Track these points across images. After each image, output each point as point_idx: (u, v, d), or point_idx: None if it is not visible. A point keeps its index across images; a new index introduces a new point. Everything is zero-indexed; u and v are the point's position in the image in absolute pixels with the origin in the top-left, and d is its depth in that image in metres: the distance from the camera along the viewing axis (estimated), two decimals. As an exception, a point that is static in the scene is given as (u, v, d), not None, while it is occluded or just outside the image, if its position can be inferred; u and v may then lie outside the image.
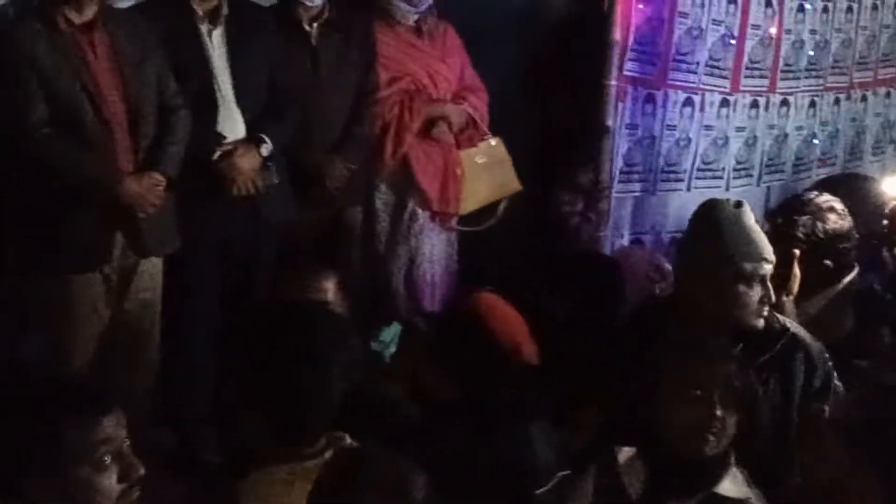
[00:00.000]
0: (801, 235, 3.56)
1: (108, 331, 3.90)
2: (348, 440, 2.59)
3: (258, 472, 2.51)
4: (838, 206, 3.65)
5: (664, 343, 2.93)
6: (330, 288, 3.63)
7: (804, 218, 3.60)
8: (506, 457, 2.85)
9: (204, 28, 4.07)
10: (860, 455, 2.33)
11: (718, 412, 2.59)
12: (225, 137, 4.08)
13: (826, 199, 3.69)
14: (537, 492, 2.84)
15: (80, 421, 2.27)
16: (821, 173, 4.99)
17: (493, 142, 4.73)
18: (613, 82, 4.31)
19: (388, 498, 2.15)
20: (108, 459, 2.18)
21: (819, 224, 3.59)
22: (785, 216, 3.69)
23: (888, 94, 5.33)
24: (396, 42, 4.57)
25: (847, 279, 3.72)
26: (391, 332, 4.28)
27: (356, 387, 3.17)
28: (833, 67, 5.05)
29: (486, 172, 4.73)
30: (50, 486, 2.20)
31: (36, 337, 3.88)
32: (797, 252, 3.53)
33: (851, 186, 4.25)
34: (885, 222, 4.03)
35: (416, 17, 4.59)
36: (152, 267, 3.95)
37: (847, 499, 2.34)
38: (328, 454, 2.44)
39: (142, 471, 2.21)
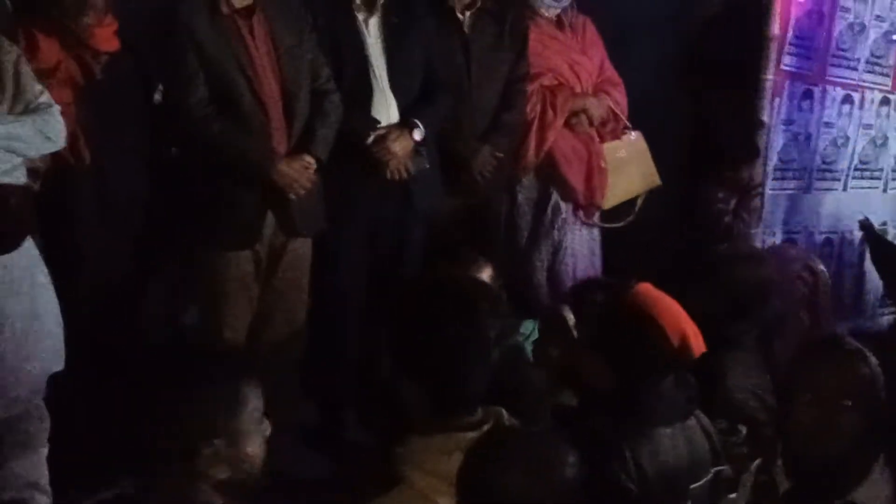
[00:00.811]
0: None
1: (259, 307, 3.98)
2: (505, 415, 2.61)
3: (418, 440, 2.54)
4: None
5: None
6: (488, 274, 3.71)
7: None
8: (660, 450, 2.83)
9: (361, 16, 4.13)
10: None
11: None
12: (379, 122, 4.12)
13: None
14: (692, 486, 2.82)
15: (223, 389, 2.40)
16: None
17: (633, 136, 4.72)
18: (770, 77, 4.26)
19: (539, 474, 2.17)
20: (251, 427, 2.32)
21: None
22: None
23: None
24: (539, 35, 4.57)
25: None
26: (530, 326, 4.29)
27: (505, 370, 3.26)
28: None
29: (628, 166, 4.71)
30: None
31: (192, 308, 4.06)
32: None
33: None
34: None
35: (558, 10, 4.59)
36: (301, 247, 4.02)
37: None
38: (486, 427, 2.46)
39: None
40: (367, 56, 4.14)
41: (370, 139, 4.10)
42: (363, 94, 4.13)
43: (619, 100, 4.73)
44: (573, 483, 2.21)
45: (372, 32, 4.16)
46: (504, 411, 2.66)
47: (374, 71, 4.15)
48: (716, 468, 2.86)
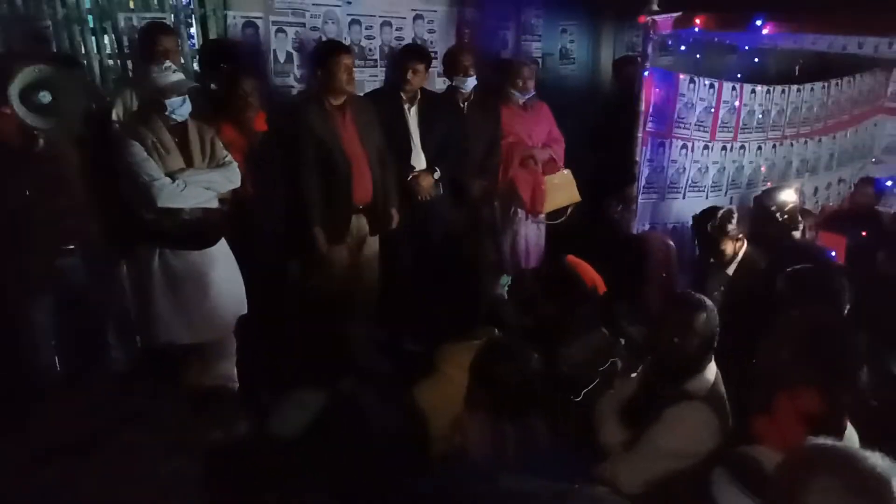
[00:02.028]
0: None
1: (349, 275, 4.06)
2: (496, 331, 2.71)
3: (448, 346, 2.62)
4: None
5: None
6: (487, 248, 4.11)
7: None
8: (581, 349, 2.86)
9: (406, 106, 4.23)
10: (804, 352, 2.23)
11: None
12: (414, 168, 4.26)
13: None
14: (600, 369, 2.83)
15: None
16: (764, 186, 4.91)
17: (565, 171, 4.73)
18: (640, 134, 4.28)
19: (515, 365, 2.18)
20: None
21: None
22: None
23: (805, 142, 5.29)
24: (510, 114, 4.61)
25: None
26: (506, 279, 4.43)
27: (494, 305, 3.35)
28: (772, 126, 4.97)
29: (559, 189, 4.71)
30: None
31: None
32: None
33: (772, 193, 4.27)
34: (784, 217, 3.96)
35: (523, 99, 4.66)
36: (373, 241, 4.15)
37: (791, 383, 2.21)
38: (485, 338, 2.50)
39: None
40: (409, 130, 4.24)
41: (409, 178, 4.24)
42: (405, 152, 4.22)
43: (557, 150, 4.73)
44: (535, 371, 2.22)
45: (412, 116, 4.24)
46: (495, 329, 2.75)
47: (412, 139, 4.24)
48: (611, 359, 2.89)
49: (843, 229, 4.38)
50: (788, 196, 4.08)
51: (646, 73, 4.24)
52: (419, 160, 4.29)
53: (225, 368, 3.32)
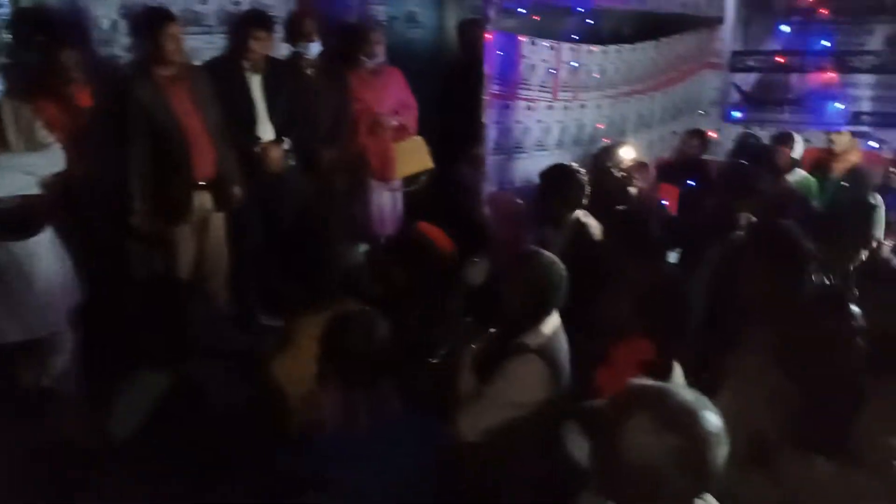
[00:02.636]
0: None
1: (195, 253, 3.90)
2: (352, 302, 2.64)
3: (301, 318, 2.61)
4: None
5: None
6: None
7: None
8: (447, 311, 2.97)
9: (248, 75, 4.05)
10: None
11: None
12: (260, 139, 4.10)
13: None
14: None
15: None
16: (602, 142, 5.07)
17: (416, 138, 4.71)
18: (486, 97, 4.31)
19: (364, 336, 2.17)
20: None
21: None
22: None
23: (641, 99, 5.46)
24: (358, 80, 4.53)
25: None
26: (362, 247, 4.41)
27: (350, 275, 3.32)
28: (609, 84, 5.12)
29: (410, 156, 4.69)
30: None
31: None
32: None
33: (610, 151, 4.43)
34: (620, 173, 4.15)
35: (371, 65, 4.58)
36: (219, 217, 3.97)
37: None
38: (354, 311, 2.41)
39: None
40: (252, 100, 4.07)
41: (257, 149, 4.08)
42: (250, 123, 4.07)
43: (408, 117, 4.68)
44: (385, 339, 2.21)
45: (255, 85, 4.07)
46: (350, 299, 2.66)
47: (257, 108, 4.08)
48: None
49: (675, 179, 4.67)
50: (624, 153, 4.26)
51: (489, 37, 4.26)
52: (266, 131, 4.15)
53: (61, 364, 3.18)
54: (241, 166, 3.95)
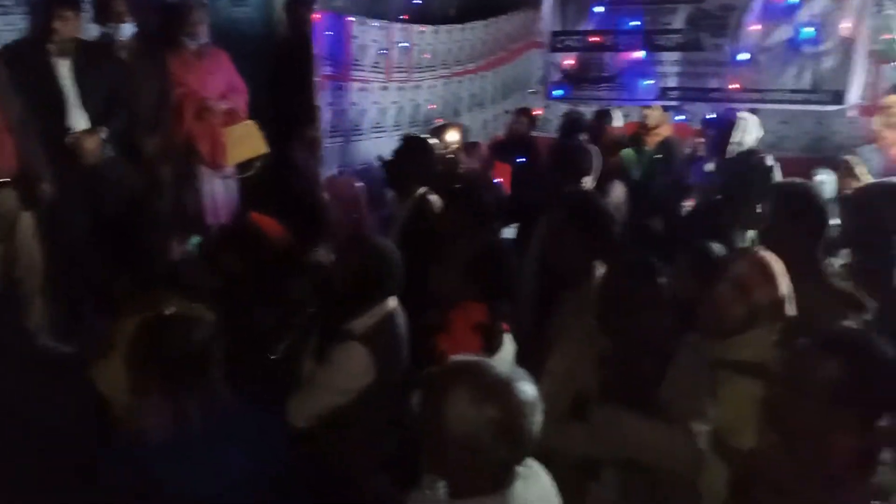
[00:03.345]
0: None
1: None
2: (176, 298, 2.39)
3: (124, 318, 2.32)
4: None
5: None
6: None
7: None
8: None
9: (54, 59, 3.70)
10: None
11: None
12: (71, 129, 3.76)
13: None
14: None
15: None
16: (436, 123, 5.09)
17: (248, 122, 4.49)
18: (318, 78, 4.23)
19: (179, 335, 2.02)
20: None
21: None
22: None
23: (472, 78, 5.59)
24: (180, 63, 4.28)
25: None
26: (196, 238, 4.20)
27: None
28: (442, 64, 5.20)
29: (242, 141, 4.46)
30: None
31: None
32: None
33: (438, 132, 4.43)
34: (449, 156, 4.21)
35: (194, 46, 4.34)
36: (28, 216, 3.59)
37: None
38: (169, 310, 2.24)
39: None
40: (60, 86, 3.71)
41: (68, 140, 3.73)
42: (58, 112, 3.73)
43: (238, 101, 4.46)
44: (208, 335, 2.04)
45: (63, 72, 3.72)
46: (179, 296, 2.42)
47: (67, 96, 3.72)
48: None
49: (507, 157, 4.82)
50: (451, 136, 4.33)
51: (317, 17, 4.19)
52: (79, 120, 3.83)
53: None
54: (49, 159, 3.61)
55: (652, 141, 5.28)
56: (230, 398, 2.08)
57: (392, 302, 2.50)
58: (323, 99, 4.33)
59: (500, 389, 1.46)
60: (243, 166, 4.61)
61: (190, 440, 1.96)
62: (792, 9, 4.94)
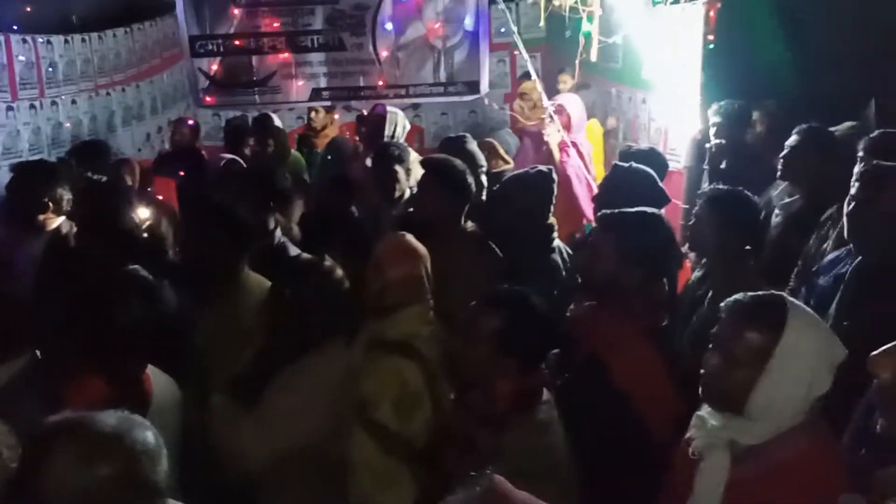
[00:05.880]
0: None
1: None
2: None
3: None
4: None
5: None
6: None
7: None
8: None
9: None
10: None
11: None
12: None
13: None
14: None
15: None
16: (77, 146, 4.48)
17: None
18: None
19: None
20: None
21: None
22: None
23: (123, 90, 5.19)
24: None
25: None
26: None
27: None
28: (82, 77, 4.75)
29: None
30: None
31: None
32: None
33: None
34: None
35: None
36: None
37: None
38: None
39: None
40: None
41: None
42: None
43: None
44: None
45: None
46: None
47: None
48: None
49: (171, 172, 4.52)
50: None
51: None
52: None
53: None
54: None
55: (320, 143, 5.39)
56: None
57: None
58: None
59: (110, 443, 1.29)
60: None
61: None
62: (419, 6, 5.30)
